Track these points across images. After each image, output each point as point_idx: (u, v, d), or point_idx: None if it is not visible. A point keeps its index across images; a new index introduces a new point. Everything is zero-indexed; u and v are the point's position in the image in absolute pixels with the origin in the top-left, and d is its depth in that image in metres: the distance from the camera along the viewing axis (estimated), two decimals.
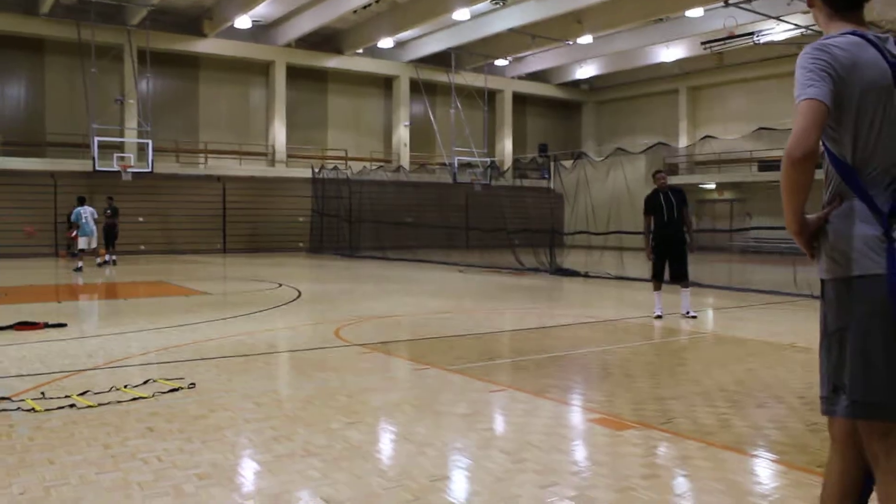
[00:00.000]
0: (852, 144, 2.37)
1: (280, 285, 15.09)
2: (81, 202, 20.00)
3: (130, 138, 26.89)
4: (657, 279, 10.49)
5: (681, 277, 10.47)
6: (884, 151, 2.37)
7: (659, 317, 10.24)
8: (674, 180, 33.09)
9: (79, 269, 18.76)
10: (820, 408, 2.49)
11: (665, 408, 5.50)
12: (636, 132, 36.68)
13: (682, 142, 34.14)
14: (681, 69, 34.19)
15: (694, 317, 10.30)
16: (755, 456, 4.37)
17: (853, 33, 2.38)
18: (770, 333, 8.96)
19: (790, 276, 13.52)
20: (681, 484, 3.90)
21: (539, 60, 34.76)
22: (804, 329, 9.30)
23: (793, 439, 4.68)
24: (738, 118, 32.48)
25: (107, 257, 20.66)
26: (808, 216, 2.43)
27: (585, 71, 36.16)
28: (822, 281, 2.47)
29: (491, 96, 35.99)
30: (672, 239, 10.28)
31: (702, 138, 26.50)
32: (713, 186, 33.51)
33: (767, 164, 29.88)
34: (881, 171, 2.37)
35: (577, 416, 5.38)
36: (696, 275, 16.70)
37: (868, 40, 2.37)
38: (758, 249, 30.03)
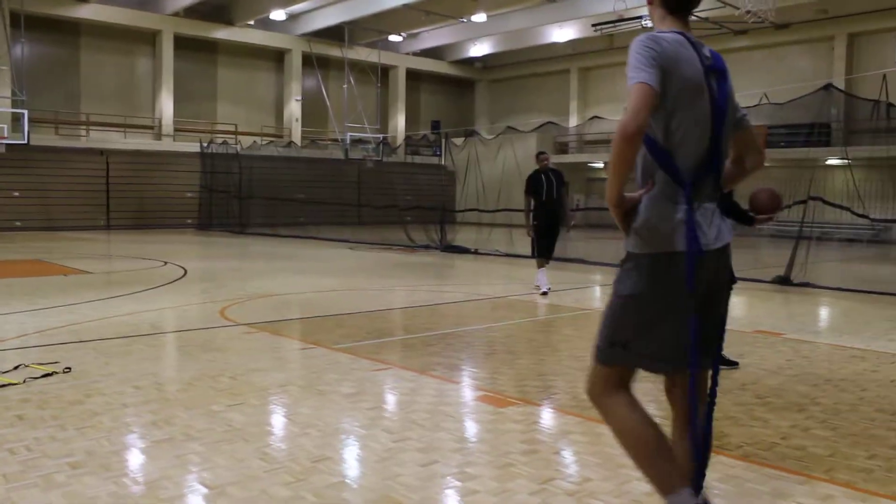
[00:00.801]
0: (664, 131, 2.61)
1: (165, 263, 14.67)
2: None
3: (3, 108, 25.49)
4: (541, 256, 10.75)
5: (546, 254, 10.78)
6: (690, 142, 2.62)
7: (545, 293, 10.47)
8: (564, 159, 33.79)
9: None
10: (594, 355, 2.81)
11: (547, 384, 5.65)
12: (528, 111, 37.18)
13: (573, 121, 34.81)
14: (573, 49, 34.76)
15: (545, 293, 10.54)
16: None
17: (679, 33, 2.66)
18: None
19: None
20: (560, 458, 4.02)
21: (433, 37, 34.71)
22: None
23: (667, 412, 4.86)
24: (626, 99, 33.30)
25: None
26: (627, 194, 2.67)
27: (479, 49, 36.33)
28: (627, 252, 2.71)
29: (384, 72, 35.78)
30: (552, 217, 10.60)
31: (591, 118, 27.08)
32: (602, 165, 34.34)
33: None
34: (687, 159, 2.63)
35: (460, 393, 5.46)
36: (585, 252, 17.18)
37: (689, 41, 2.65)
38: None
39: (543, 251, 10.73)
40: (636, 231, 2.65)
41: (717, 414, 4.76)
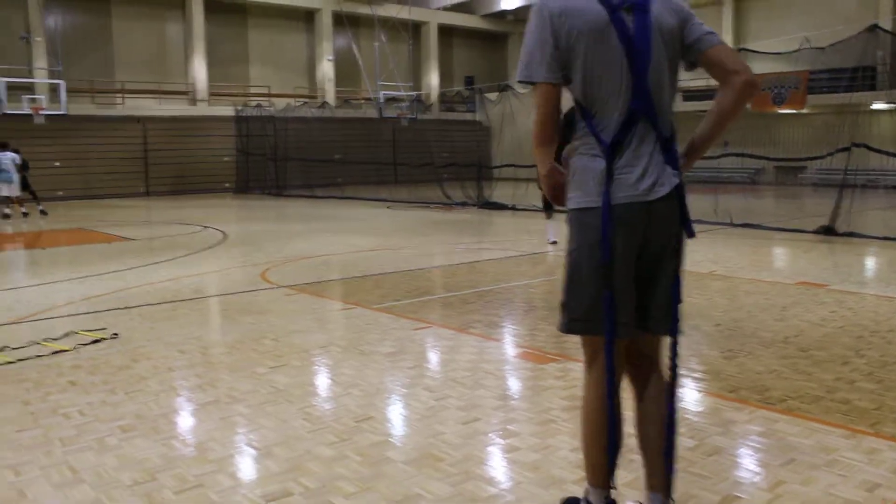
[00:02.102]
0: (581, 87, 2.50)
1: (205, 227, 14.84)
2: (3, 147, 19.00)
3: (41, 79, 25.75)
4: (548, 208, 11.14)
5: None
6: (604, 89, 2.47)
7: (554, 242, 10.93)
8: None
9: (5, 217, 18.13)
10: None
11: None
12: None
13: None
14: None
15: (554, 242, 10.96)
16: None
17: None
18: (690, 262, 9.12)
19: (711, 205, 13.85)
20: None
21: None
22: (724, 257, 9.58)
23: (709, 366, 4.86)
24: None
25: (23, 209, 19.37)
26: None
27: (510, 1, 35.80)
28: (567, 209, 2.61)
29: (416, 29, 35.46)
30: None
31: None
32: None
33: (691, 95, 30.27)
34: (606, 109, 2.49)
35: (500, 350, 5.48)
36: None
37: None
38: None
39: (550, 204, 11.07)
40: (569, 188, 2.59)
41: (759, 367, 4.77)
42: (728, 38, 30.59)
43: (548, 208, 11.10)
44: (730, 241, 11.25)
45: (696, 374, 4.69)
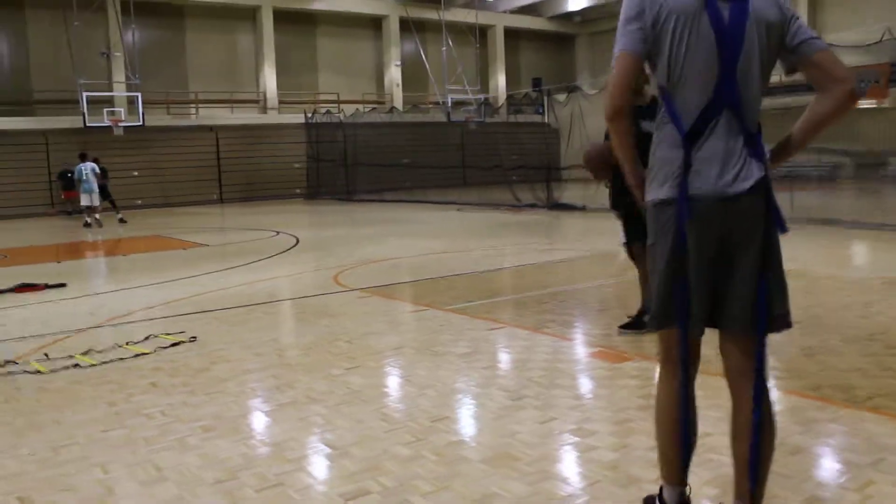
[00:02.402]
0: (667, 70, 2.41)
1: (278, 233, 15.10)
2: (83, 158, 19.72)
3: (119, 92, 26.58)
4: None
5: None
6: (692, 78, 2.39)
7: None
8: None
9: (87, 225, 18.80)
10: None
11: None
12: None
13: None
14: None
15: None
16: None
17: None
18: None
19: (787, 202, 13.50)
20: None
21: None
22: (801, 253, 9.32)
23: (787, 364, 4.73)
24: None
25: (95, 217, 19.91)
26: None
27: (577, 2, 35.52)
28: (647, 201, 2.54)
29: (482, 32, 35.45)
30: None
31: None
32: None
33: (765, 90, 29.52)
34: (690, 97, 2.40)
35: (575, 350, 5.43)
36: None
37: None
38: None
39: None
40: (648, 178, 2.52)
41: (843, 365, 4.62)
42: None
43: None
44: (808, 238, 10.94)
45: (775, 372, 4.56)
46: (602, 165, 5.47)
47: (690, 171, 2.39)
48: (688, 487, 2.64)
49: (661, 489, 2.70)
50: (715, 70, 2.36)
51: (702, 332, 2.54)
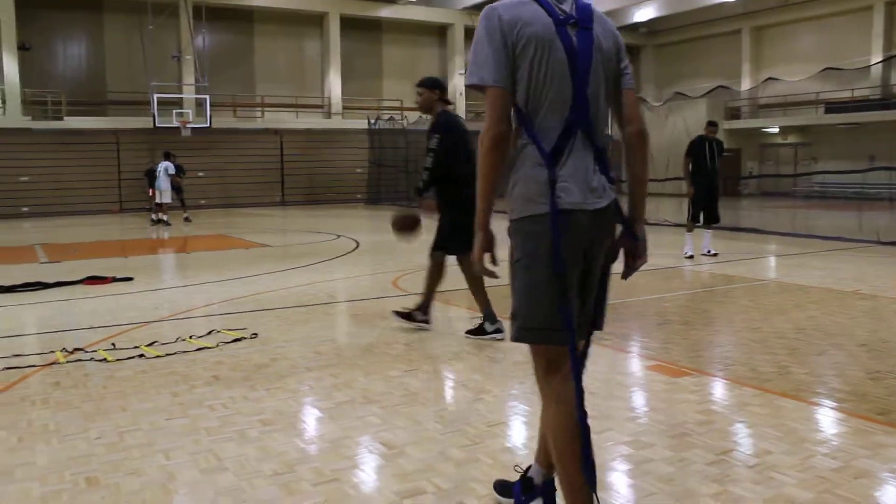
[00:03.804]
0: (526, 94, 2.51)
1: (338, 236, 15.27)
2: (165, 157, 20.26)
3: (188, 94, 27.21)
4: (693, 221, 11.27)
5: (715, 220, 11.35)
6: (549, 101, 2.50)
7: (690, 256, 10.99)
8: (736, 125, 32.35)
9: (154, 223, 19.35)
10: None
11: (722, 355, 5.49)
12: (696, 76, 35.80)
13: (745, 84, 33.17)
14: (744, 8, 33.08)
15: (715, 254, 11.13)
16: (814, 403, 4.33)
17: None
18: (834, 280, 8.79)
19: (855, 222, 13.20)
20: (737, 430, 3.90)
21: (597, 3, 33.52)
22: (869, 275, 9.10)
23: (853, 387, 4.63)
24: (804, 58, 31.34)
25: (163, 216, 20.33)
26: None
27: (644, 13, 35.22)
28: (509, 220, 2.60)
29: None
30: (711, 185, 11.14)
31: (765, 80, 25.68)
32: (777, 130, 32.64)
33: (834, 106, 28.96)
34: (548, 117, 2.51)
35: (633, 363, 5.39)
36: (759, 221, 16.48)
37: None
38: (822, 194, 29.34)
39: (697, 217, 11.24)
40: (510, 198, 2.58)
41: None
42: (878, 44, 29.23)
43: (694, 220, 11.26)
44: (876, 260, 10.68)
45: (839, 394, 4.47)
46: (409, 228, 6.47)
47: (557, 188, 2.47)
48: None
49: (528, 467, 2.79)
50: (569, 93, 2.51)
51: (581, 340, 2.64)
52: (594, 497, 2.52)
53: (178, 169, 20.16)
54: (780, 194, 30.09)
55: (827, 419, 4.11)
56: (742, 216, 19.49)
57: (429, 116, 6.48)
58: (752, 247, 12.72)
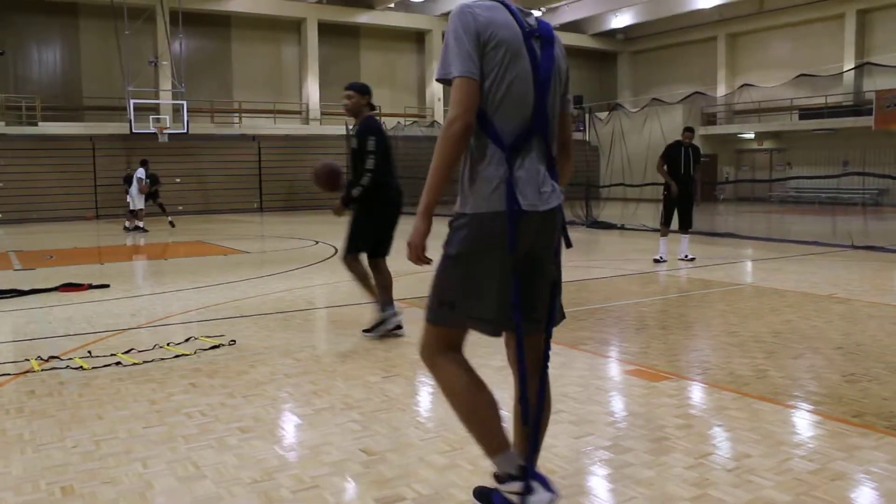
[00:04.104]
0: (489, 94, 2.61)
1: (317, 242, 15.23)
2: (142, 164, 20.13)
3: (165, 100, 27.05)
4: (665, 226, 11.42)
5: (687, 225, 11.44)
6: (510, 103, 2.62)
7: (662, 260, 11.11)
8: (712, 130, 32.60)
9: (127, 230, 19.21)
10: (425, 315, 2.80)
11: (700, 359, 5.52)
12: (673, 82, 36.09)
13: (721, 90, 33.48)
14: (720, 15, 33.43)
15: (692, 259, 11.24)
16: (791, 406, 4.37)
17: (498, 1, 2.67)
18: (809, 284, 8.88)
19: (830, 227, 13.34)
20: (716, 434, 3.92)
21: (573, 10, 34.16)
22: (844, 280, 9.20)
23: (829, 390, 4.67)
24: (779, 65, 31.67)
25: (138, 223, 20.17)
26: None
27: (621, 20, 35.51)
28: (455, 213, 2.72)
29: None
30: (685, 190, 11.25)
31: (740, 86, 25.89)
32: (752, 136, 32.94)
33: (808, 113, 29.26)
34: (508, 120, 2.63)
35: (612, 367, 5.41)
36: (735, 226, 16.63)
37: (507, 7, 2.66)
38: (797, 199, 29.62)
39: (668, 221, 11.38)
40: (464, 193, 2.69)
41: (886, 393, 4.58)
42: (851, 52, 29.60)
43: (665, 225, 11.38)
44: (850, 264, 10.80)
45: (815, 397, 4.51)
46: (330, 181, 6.65)
47: (515, 188, 2.60)
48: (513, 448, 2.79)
49: (495, 475, 2.84)
50: (530, 100, 2.65)
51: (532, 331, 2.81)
52: (507, 437, 2.77)
53: (153, 178, 19.98)
54: (756, 199, 30.36)
55: (804, 422, 4.14)
56: (718, 221, 19.65)
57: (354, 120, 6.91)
58: (729, 251, 12.82)
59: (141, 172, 19.51)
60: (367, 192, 6.28)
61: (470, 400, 2.74)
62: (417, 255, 2.75)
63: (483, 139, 2.64)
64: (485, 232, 2.62)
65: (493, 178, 2.61)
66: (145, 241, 17.18)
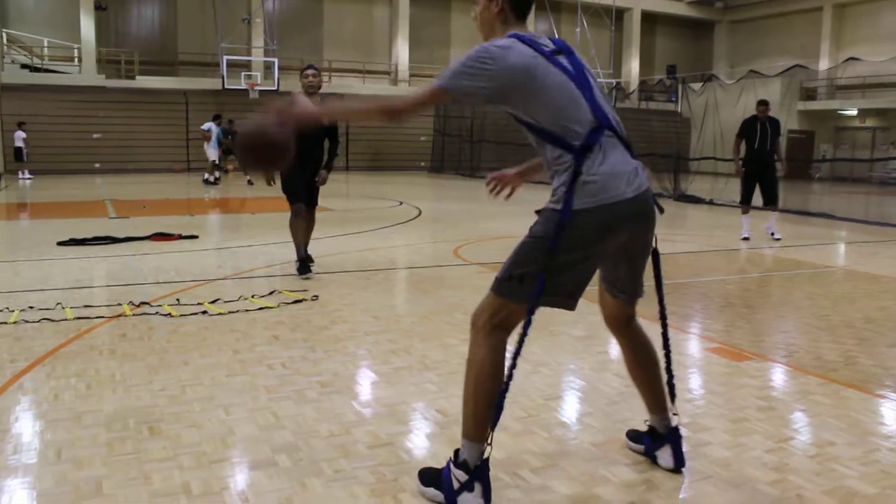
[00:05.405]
0: (546, 116, 2.72)
1: (401, 203, 15.32)
2: (214, 118, 20.67)
3: (257, 57, 27.46)
4: (745, 203, 11.03)
5: (772, 201, 11.01)
6: (566, 113, 2.72)
7: (746, 238, 10.77)
8: (811, 106, 31.43)
9: (206, 182, 19.76)
10: (493, 286, 2.88)
11: (787, 341, 5.36)
12: (773, 54, 34.78)
13: (823, 64, 32.15)
14: None
15: (778, 238, 10.80)
16: (881, 396, 4.21)
17: (513, 36, 2.79)
18: (877, 267, 8.53)
19: None
20: (798, 418, 3.81)
21: None
22: None
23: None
24: (889, 38, 30.18)
25: (215, 175, 20.79)
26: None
27: None
28: (546, 208, 2.81)
29: (619, 15, 34.79)
30: (763, 165, 10.84)
31: (845, 60, 24.73)
32: (854, 113, 31.60)
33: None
34: (576, 123, 2.71)
35: (694, 344, 5.31)
36: (830, 206, 16.06)
37: (521, 39, 2.75)
38: None
39: (747, 198, 11.01)
40: (556, 192, 2.76)
41: None
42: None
43: (745, 202, 11.03)
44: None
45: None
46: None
47: (606, 185, 2.72)
48: (488, 446, 2.80)
49: (456, 451, 2.87)
50: (583, 102, 2.75)
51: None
52: (490, 434, 2.79)
53: (225, 132, 20.61)
54: (854, 179, 29.18)
55: (894, 413, 3.99)
56: (812, 200, 18.99)
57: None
58: (822, 232, 12.39)
59: (208, 126, 20.19)
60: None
61: (490, 386, 2.79)
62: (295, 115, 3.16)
63: (564, 157, 2.73)
64: (577, 226, 2.70)
65: (585, 177, 2.69)
66: (234, 195, 17.56)
